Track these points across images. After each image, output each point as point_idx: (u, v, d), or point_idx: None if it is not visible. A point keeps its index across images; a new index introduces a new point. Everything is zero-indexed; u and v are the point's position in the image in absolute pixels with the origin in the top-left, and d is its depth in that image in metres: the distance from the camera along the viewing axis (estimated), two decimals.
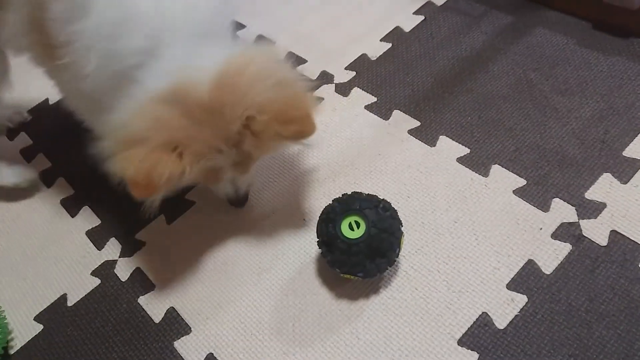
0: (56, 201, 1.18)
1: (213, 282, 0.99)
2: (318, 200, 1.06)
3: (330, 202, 0.91)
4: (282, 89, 0.80)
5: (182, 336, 0.94)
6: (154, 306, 0.98)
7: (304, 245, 1.00)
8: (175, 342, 0.93)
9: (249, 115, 0.78)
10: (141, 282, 1.02)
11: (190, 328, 0.94)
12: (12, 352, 0.98)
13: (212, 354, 0.91)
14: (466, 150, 1.07)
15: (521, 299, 0.87)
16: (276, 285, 0.96)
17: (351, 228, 0.86)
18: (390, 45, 1.32)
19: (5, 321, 0.97)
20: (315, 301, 0.93)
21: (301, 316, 0.92)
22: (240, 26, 1.47)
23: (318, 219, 0.91)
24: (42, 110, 1.40)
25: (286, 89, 0.81)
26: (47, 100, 1.41)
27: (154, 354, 0.93)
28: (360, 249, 0.84)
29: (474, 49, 1.25)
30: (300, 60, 1.34)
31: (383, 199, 0.90)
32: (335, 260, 0.87)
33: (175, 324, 0.95)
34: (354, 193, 0.91)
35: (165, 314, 0.97)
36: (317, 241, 0.91)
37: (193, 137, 0.77)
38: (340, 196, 0.92)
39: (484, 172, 1.03)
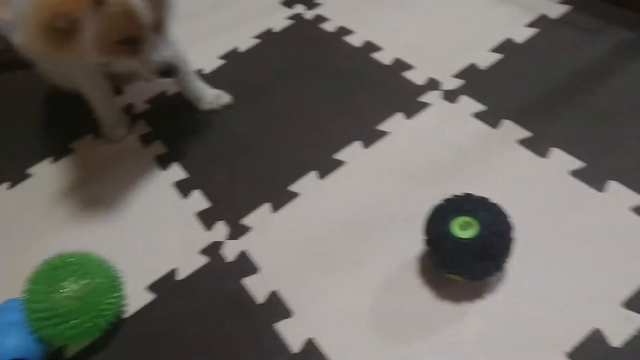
0: (170, 183, 1.26)
1: (314, 271, 1.02)
2: (421, 202, 1.06)
3: (440, 202, 0.92)
4: None
5: (283, 319, 0.97)
6: (258, 288, 1.02)
7: (404, 244, 1.01)
8: (276, 324, 0.97)
9: None
10: (246, 265, 1.07)
11: (291, 312, 0.98)
12: (126, 316, 1.05)
13: (312, 339, 0.93)
14: (580, 164, 1.04)
15: (638, 319, 0.83)
16: (377, 280, 0.98)
17: (462, 228, 0.86)
18: (501, 56, 1.31)
19: (122, 288, 1.04)
20: (417, 300, 0.94)
21: (402, 313, 0.93)
22: (347, 32, 1.52)
23: (427, 217, 0.92)
24: (160, 100, 1.50)
25: None
26: (163, 92, 1.51)
27: (256, 333, 0.96)
28: (471, 250, 0.84)
29: (591, 64, 1.22)
30: (407, 67, 1.36)
31: (496, 202, 0.89)
32: (443, 259, 0.87)
33: (277, 307, 0.99)
34: (466, 194, 0.91)
35: (268, 296, 1.01)
36: (424, 240, 0.92)
37: None
38: (451, 196, 0.92)
39: (600, 187, 1.00)
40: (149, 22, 1.01)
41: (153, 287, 1.08)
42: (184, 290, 1.06)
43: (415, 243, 1.00)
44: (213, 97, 1.38)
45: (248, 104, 1.37)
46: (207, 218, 1.17)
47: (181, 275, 1.09)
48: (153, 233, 1.17)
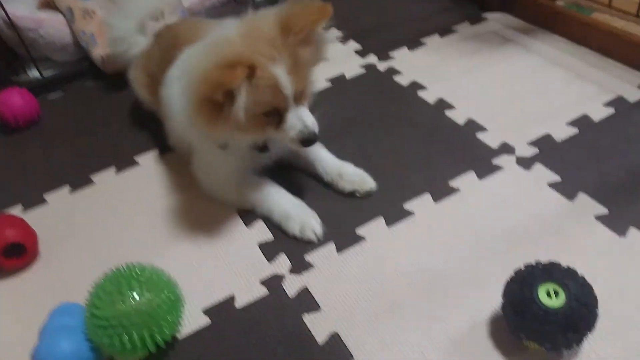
0: (233, 211, 1.26)
1: (379, 318, 0.99)
2: (494, 265, 1.05)
3: (526, 266, 0.90)
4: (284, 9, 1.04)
5: None
6: (318, 327, 1.00)
7: (476, 305, 0.99)
8: None
9: (280, 24, 1.01)
10: (307, 301, 1.05)
11: (353, 357, 0.95)
12: (179, 337, 1.03)
13: None
14: None
15: None
16: (445, 336, 0.95)
17: (549, 296, 0.84)
18: (577, 130, 1.32)
19: (183, 308, 1.02)
20: None
21: None
22: (420, 87, 1.54)
23: (510, 279, 0.90)
24: None
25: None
26: None
27: None
28: (557, 319, 0.81)
29: None
30: (480, 128, 1.37)
31: (582, 274, 0.87)
32: (525, 325, 0.84)
33: (338, 350, 0.96)
34: (552, 262, 0.89)
35: (329, 338, 0.98)
36: (503, 302, 0.89)
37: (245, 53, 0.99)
38: (536, 262, 0.90)
39: None
40: (292, 94, 1.04)
41: (210, 311, 1.07)
42: (243, 318, 1.04)
43: (488, 305, 0.98)
44: (357, 176, 1.24)
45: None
46: (268, 249, 1.16)
47: (240, 303, 1.07)
48: (213, 257, 1.17)
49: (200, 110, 1.01)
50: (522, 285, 0.86)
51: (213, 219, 1.25)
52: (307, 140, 1.08)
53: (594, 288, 0.95)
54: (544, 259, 1.02)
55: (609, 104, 1.38)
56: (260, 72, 0.99)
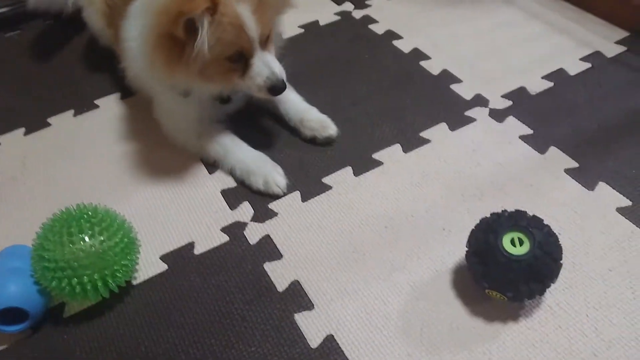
0: (196, 158, 1.20)
1: (341, 267, 0.97)
2: (461, 214, 1.03)
3: (491, 215, 0.88)
4: None
5: (304, 311, 0.92)
6: (279, 275, 0.97)
7: (440, 254, 0.97)
8: (295, 315, 0.92)
9: None
10: (269, 249, 1.02)
11: (313, 305, 0.92)
12: (135, 283, 0.99)
13: (333, 335, 0.88)
14: (628, 202, 1.01)
15: None
16: (407, 286, 0.93)
17: (513, 244, 0.82)
18: (552, 84, 1.29)
19: (138, 253, 0.98)
20: (448, 312, 0.89)
21: (431, 323, 0.88)
22: (396, 36, 1.49)
23: (475, 227, 0.88)
24: None
25: None
26: None
27: (273, 320, 0.91)
28: (520, 267, 0.80)
29: None
30: (455, 80, 1.33)
31: (548, 224, 0.85)
32: (488, 273, 0.83)
33: (298, 298, 0.94)
34: (518, 210, 0.87)
35: (289, 285, 0.96)
36: (468, 250, 0.87)
37: None
38: (502, 211, 0.88)
39: None
40: (257, 37, 0.98)
41: (167, 257, 1.03)
42: (201, 265, 1.01)
43: (452, 254, 0.96)
44: (317, 122, 1.20)
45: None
46: (231, 197, 1.12)
47: (199, 249, 1.03)
48: (173, 203, 1.12)
49: (158, 49, 0.95)
50: (486, 233, 0.84)
51: (175, 165, 1.20)
52: (275, 88, 1.03)
53: (559, 239, 0.94)
54: (511, 207, 1.00)
55: (585, 58, 1.35)
56: (222, 7, 0.92)
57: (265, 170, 1.10)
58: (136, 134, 1.28)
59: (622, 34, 1.40)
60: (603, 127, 1.16)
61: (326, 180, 1.13)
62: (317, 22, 1.58)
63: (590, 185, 1.05)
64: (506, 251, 0.80)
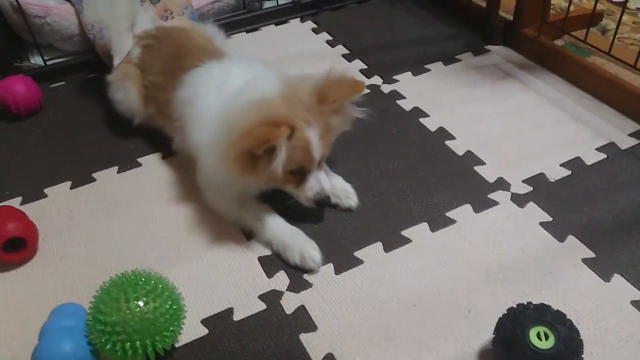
0: (234, 225, 1.28)
1: (373, 343, 1.03)
2: (485, 297, 1.10)
3: (518, 306, 0.95)
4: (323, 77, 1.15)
5: None
6: (314, 347, 1.04)
7: (466, 336, 1.03)
8: None
9: (316, 93, 1.12)
10: (304, 320, 1.08)
11: None
12: (177, 345, 1.05)
13: None
14: None
15: None
16: None
17: (539, 337, 0.89)
18: (569, 172, 1.38)
19: (184, 317, 1.05)
20: None
21: None
22: (422, 114, 1.59)
23: (502, 317, 0.95)
24: None
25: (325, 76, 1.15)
26: None
27: None
28: None
29: None
30: (478, 161, 1.42)
31: (570, 319, 0.93)
32: None
33: None
34: (543, 305, 0.94)
35: (323, 357, 1.02)
36: (495, 338, 0.94)
37: (285, 114, 1.08)
38: (526, 303, 0.96)
39: None
40: (319, 157, 1.14)
41: (208, 322, 1.09)
42: (240, 332, 1.07)
43: (476, 337, 1.03)
44: (342, 191, 1.30)
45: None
46: (268, 264, 1.19)
47: (238, 316, 1.10)
48: (214, 267, 1.19)
49: (238, 161, 1.08)
50: (514, 324, 0.91)
51: (215, 229, 1.27)
52: (321, 202, 1.19)
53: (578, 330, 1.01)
54: (533, 295, 1.08)
55: (601, 148, 1.44)
56: (298, 133, 1.09)
57: (301, 245, 1.18)
58: (178, 196, 1.37)
59: (635, 126, 1.50)
60: (618, 219, 1.25)
61: (358, 254, 1.20)
62: None
63: (606, 276, 1.13)
64: (533, 345, 0.87)
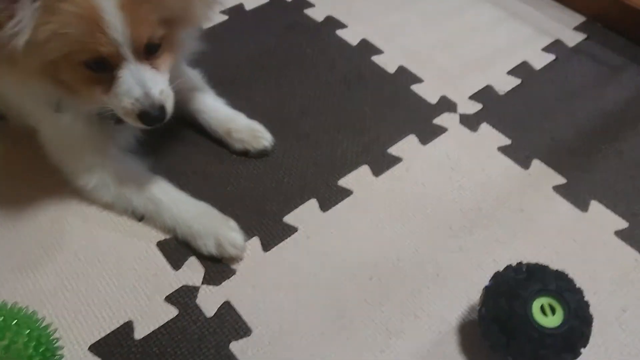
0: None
1: (327, 339, 0.80)
2: (454, 255, 0.89)
3: (506, 271, 0.74)
4: None
5: None
6: (251, 357, 0.78)
7: (439, 309, 0.83)
8: None
9: None
10: (232, 322, 0.81)
11: None
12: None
13: None
14: (624, 224, 0.93)
15: None
16: (409, 357, 0.78)
17: (543, 312, 0.69)
18: (519, 81, 1.17)
19: (55, 353, 0.74)
20: None
21: None
22: (339, 24, 1.28)
23: (490, 287, 0.74)
24: None
25: None
26: None
27: None
28: (555, 342, 0.67)
29: (618, 105, 1.12)
30: (414, 79, 1.17)
31: (572, 278, 0.74)
32: (516, 347, 0.70)
33: None
34: (540, 266, 0.74)
35: None
36: (481, 312, 0.74)
37: None
38: (517, 265, 0.75)
39: None
40: (128, 40, 0.71)
41: (98, 348, 0.79)
42: (146, 353, 0.78)
43: (452, 308, 0.83)
44: (247, 132, 1.00)
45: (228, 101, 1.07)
46: (173, 252, 0.89)
47: (141, 332, 0.81)
48: (95, 268, 0.87)
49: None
50: (510, 299, 0.70)
51: (90, 214, 0.93)
52: (147, 115, 0.76)
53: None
54: (508, 244, 0.89)
55: (547, 48, 1.24)
56: None
57: (214, 227, 0.87)
58: (19, 174, 0.99)
59: (579, 18, 1.30)
60: (582, 133, 1.07)
61: (289, 219, 0.93)
62: (241, 5, 1.32)
63: (582, 205, 0.96)
64: (538, 324, 0.68)
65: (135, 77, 0.74)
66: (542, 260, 0.84)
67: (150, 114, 0.76)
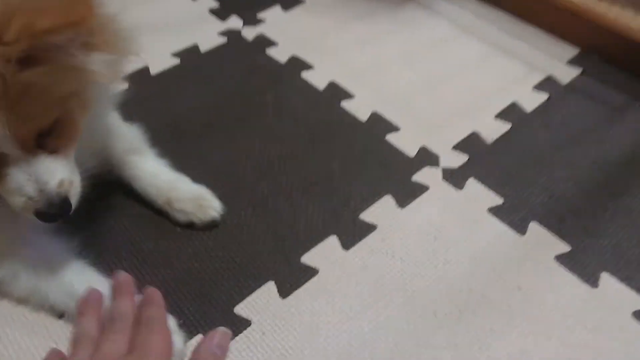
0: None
1: None
2: (439, 351, 0.73)
3: None
4: None
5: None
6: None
7: None
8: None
9: None
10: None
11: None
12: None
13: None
14: None
15: None
16: None
17: None
18: (509, 125, 1.03)
19: None
20: None
21: None
22: (305, 65, 1.14)
23: None
24: None
25: None
26: None
27: None
28: None
29: (622, 150, 0.98)
30: (390, 127, 1.02)
31: None
32: None
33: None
34: None
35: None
36: None
37: None
38: None
39: None
40: (8, 141, 0.56)
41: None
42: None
43: None
44: (192, 201, 0.84)
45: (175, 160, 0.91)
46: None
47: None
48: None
49: None
50: None
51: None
52: (44, 215, 0.62)
53: None
54: (510, 334, 0.74)
55: (539, 86, 1.10)
56: None
57: None
58: None
59: (572, 51, 1.17)
60: (584, 188, 0.92)
61: (241, 309, 0.77)
62: (196, 47, 1.17)
63: (591, 279, 0.80)
64: None
65: (26, 172, 0.60)
66: (550, 353, 0.69)
67: (47, 213, 0.62)
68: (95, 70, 0.59)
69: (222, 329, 0.71)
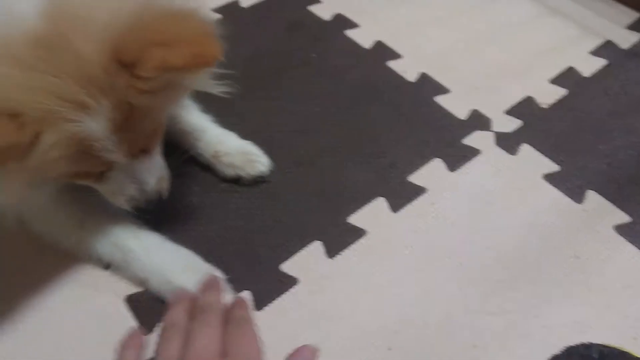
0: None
1: None
2: (492, 318, 0.70)
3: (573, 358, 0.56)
4: (149, 6, 0.55)
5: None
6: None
7: None
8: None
9: (114, 42, 0.52)
10: None
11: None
12: None
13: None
14: None
15: None
16: None
17: None
18: (565, 91, 0.98)
19: None
20: None
21: None
22: (349, 23, 1.10)
23: None
24: None
25: (155, 6, 0.55)
26: None
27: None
28: None
29: None
30: (439, 89, 0.98)
31: None
32: None
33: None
34: (617, 351, 0.56)
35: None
36: None
37: (32, 91, 0.50)
38: (583, 347, 0.57)
39: None
40: (120, 154, 0.59)
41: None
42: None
43: None
44: (239, 155, 0.83)
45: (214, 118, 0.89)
46: (145, 311, 0.72)
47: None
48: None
49: None
50: None
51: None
52: (143, 209, 0.68)
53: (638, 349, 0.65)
54: (565, 303, 0.71)
55: (597, 51, 1.04)
56: (50, 135, 0.52)
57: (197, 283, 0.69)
58: None
59: (632, 15, 1.11)
60: None
61: (287, 267, 0.75)
62: (236, 2, 1.14)
63: None
64: None
65: (128, 174, 0.64)
66: (607, 324, 0.67)
67: (144, 208, 0.67)
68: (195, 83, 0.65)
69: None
